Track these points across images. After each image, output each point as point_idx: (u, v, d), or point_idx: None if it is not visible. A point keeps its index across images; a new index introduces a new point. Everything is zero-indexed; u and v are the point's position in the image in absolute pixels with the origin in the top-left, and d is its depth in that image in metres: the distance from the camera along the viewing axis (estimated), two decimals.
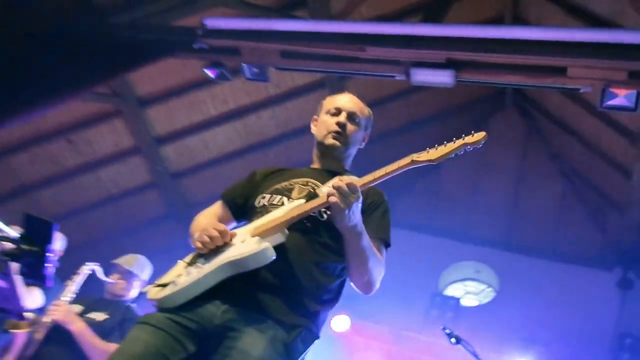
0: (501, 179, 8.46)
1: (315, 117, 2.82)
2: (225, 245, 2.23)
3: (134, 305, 4.32)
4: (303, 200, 2.33)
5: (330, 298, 2.35)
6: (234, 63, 5.39)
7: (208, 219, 2.54)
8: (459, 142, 2.13)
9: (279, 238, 2.23)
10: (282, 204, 2.40)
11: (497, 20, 6.97)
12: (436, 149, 2.17)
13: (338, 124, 2.64)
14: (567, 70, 4.49)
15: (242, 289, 2.16)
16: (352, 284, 2.40)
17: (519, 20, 6.97)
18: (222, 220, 2.55)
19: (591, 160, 7.50)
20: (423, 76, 4.83)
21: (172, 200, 7.72)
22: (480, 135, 2.11)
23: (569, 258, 7.78)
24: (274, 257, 2.14)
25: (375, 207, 2.48)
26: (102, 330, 3.97)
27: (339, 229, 2.23)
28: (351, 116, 2.69)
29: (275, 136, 7.71)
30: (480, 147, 2.12)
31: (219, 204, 2.68)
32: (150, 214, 7.87)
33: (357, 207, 2.16)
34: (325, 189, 2.22)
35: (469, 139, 2.12)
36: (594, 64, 4.38)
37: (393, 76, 5.03)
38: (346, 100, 2.74)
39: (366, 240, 2.26)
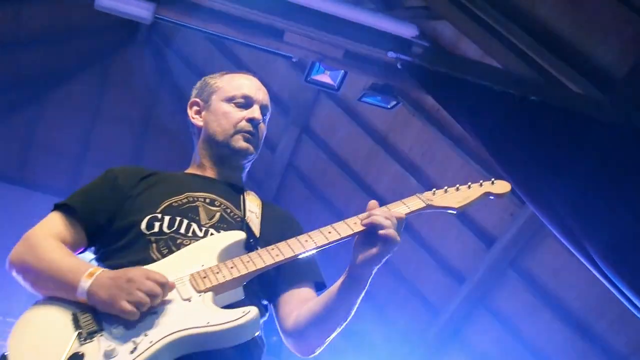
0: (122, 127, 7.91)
1: (196, 100, 2.19)
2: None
3: None
4: (241, 233, 1.89)
5: None
6: None
7: (55, 245, 1.85)
8: (480, 190, 1.96)
9: (236, 296, 1.76)
10: (194, 233, 1.91)
11: None
12: (456, 191, 1.95)
13: (252, 121, 2.10)
14: (284, 34, 4.34)
15: None
16: (301, 342, 1.94)
17: None
18: (69, 244, 1.91)
19: None
20: (112, 2, 4.05)
21: None
22: (506, 187, 1.98)
23: None
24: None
25: None
26: None
27: (354, 275, 1.80)
28: (263, 111, 2.16)
29: None
30: None
31: (63, 220, 1.92)
32: None
33: None
34: (362, 216, 1.80)
35: (492, 188, 1.98)
36: (314, 34, 4.34)
37: None
38: (256, 87, 2.20)
39: None
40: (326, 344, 1.95)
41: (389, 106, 4.90)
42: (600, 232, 3.52)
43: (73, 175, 7.81)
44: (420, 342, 6.53)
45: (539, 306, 5.59)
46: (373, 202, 1.82)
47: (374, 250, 1.74)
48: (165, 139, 7.98)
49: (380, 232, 1.72)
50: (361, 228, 1.78)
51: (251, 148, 2.15)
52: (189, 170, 2.23)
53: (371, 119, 6.29)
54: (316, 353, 1.98)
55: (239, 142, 2.12)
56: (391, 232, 1.73)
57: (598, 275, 3.53)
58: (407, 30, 4.34)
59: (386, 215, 1.76)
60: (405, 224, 1.81)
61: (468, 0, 4.49)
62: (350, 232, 1.80)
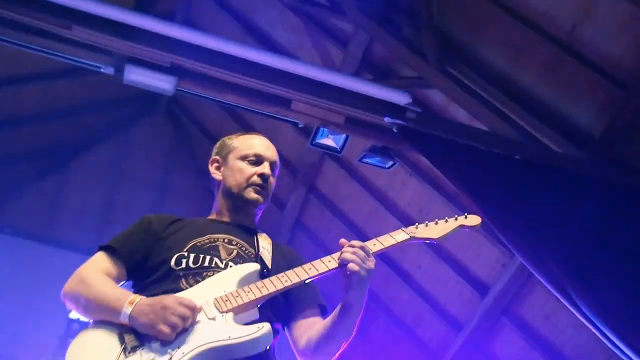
0: (143, 190, 8.05)
1: (216, 157, 2.41)
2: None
3: None
4: (256, 265, 2.10)
5: None
6: None
7: (102, 278, 2.07)
8: (456, 223, 2.15)
9: (253, 316, 1.96)
10: (216, 266, 2.10)
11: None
12: (435, 225, 2.15)
13: (262, 176, 2.30)
14: (291, 103, 4.51)
15: None
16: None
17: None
18: (112, 278, 2.11)
19: None
20: (139, 76, 4.26)
21: None
22: (477, 220, 2.17)
23: None
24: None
25: None
26: None
27: (345, 302, 1.99)
28: (272, 167, 2.37)
29: None
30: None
31: (106, 258, 2.13)
32: None
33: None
34: (334, 255, 2.02)
35: (465, 221, 2.16)
36: (317, 103, 4.50)
37: (99, 67, 4.26)
38: (266, 147, 2.42)
39: None
40: (335, 358, 2.14)
41: (386, 166, 5.03)
42: (584, 281, 3.59)
43: (97, 233, 7.91)
44: None
45: (531, 351, 5.59)
46: (342, 240, 2.04)
47: (350, 282, 1.96)
48: (181, 201, 8.13)
49: (348, 266, 1.94)
50: (334, 265, 2.01)
51: (261, 199, 2.33)
52: (210, 217, 2.42)
53: (372, 179, 6.43)
54: None
55: (251, 194, 2.31)
56: (354, 266, 1.93)
57: (585, 322, 3.58)
58: (401, 98, 4.50)
59: (353, 251, 1.96)
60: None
61: (457, 70, 4.70)
62: (326, 269, 2.03)
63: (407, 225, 6.24)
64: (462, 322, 6.09)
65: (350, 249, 1.97)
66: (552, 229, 3.77)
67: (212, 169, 2.44)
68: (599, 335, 3.55)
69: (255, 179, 2.32)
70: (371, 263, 1.96)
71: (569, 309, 3.82)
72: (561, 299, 3.69)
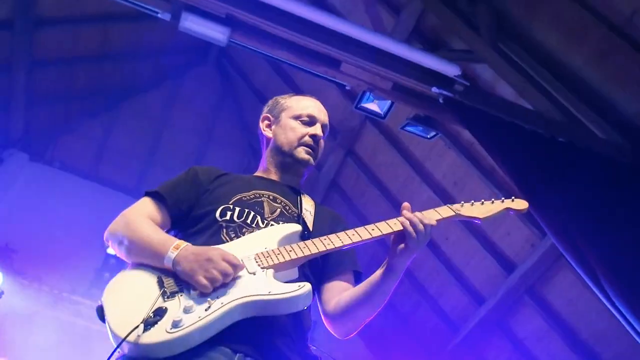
0: (187, 137, 8.12)
1: (267, 115, 2.39)
2: None
3: None
4: (297, 225, 2.07)
5: None
6: None
7: (147, 222, 2.03)
8: (502, 205, 2.08)
9: (292, 275, 1.93)
10: (257, 225, 2.07)
11: None
12: (481, 205, 2.07)
13: (314, 137, 2.28)
14: (341, 64, 4.45)
15: (261, 335, 1.78)
16: (339, 324, 2.08)
17: None
18: (157, 224, 2.07)
19: None
20: (194, 24, 4.24)
21: None
22: (524, 204, 2.09)
23: None
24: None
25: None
26: None
27: (391, 266, 1.95)
28: (323, 130, 2.35)
29: None
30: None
31: (154, 205, 2.09)
32: None
33: None
34: (400, 219, 1.95)
35: (512, 204, 2.09)
36: (367, 67, 4.44)
37: (156, 12, 4.25)
38: (319, 109, 2.39)
39: None
40: (360, 327, 2.08)
41: (428, 136, 4.96)
42: (616, 268, 3.51)
43: (140, 175, 8.04)
44: (438, 355, 6.53)
45: (550, 332, 5.56)
46: (406, 204, 1.98)
47: (406, 246, 1.91)
48: (222, 153, 8.19)
49: (411, 232, 1.89)
50: (399, 228, 1.94)
51: (311, 160, 2.30)
52: (257, 174, 2.38)
53: (410, 147, 6.37)
54: (350, 336, 2.11)
55: (302, 154, 2.29)
56: (419, 233, 1.90)
57: (611, 308, 3.52)
58: (450, 70, 4.42)
59: (418, 219, 1.91)
60: (433, 245, 1.96)
61: (508, 47, 4.57)
62: (390, 231, 1.97)
63: (440, 196, 6.21)
64: (485, 296, 6.06)
65: (411, 215, 1.93)
66: (589, 214, 3.68)
67: (262, 125, 2.41)
68: (624, 323, 3.49)
69: (307, 139, 2.30)
70: (427, 235, 1.92)
71: (592, 295, 3.75)
72: (589, 284, 3.62)
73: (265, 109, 2.48)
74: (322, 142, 2.35)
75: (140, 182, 7.83)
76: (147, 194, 2.17)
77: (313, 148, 2.30)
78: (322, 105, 2.44)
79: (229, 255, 1.85)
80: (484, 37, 4.50)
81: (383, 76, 4.51)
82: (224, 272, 1.79)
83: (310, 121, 2.34)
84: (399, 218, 1.97)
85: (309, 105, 2.39)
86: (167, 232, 2.13)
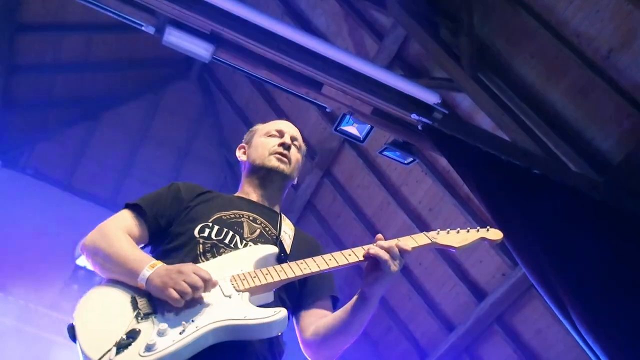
0: (165, 151, 8.04)
1: (243, 144, 2.41)
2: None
3: None
4: (275, 247, 2.03)
5: None
6: None
7: (124, 237, 1.96)
8: (477, 235, 2.03)
9: (268, 298, 1.88)
10: (236, 244, 2.02)
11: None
12: (456, 234, 2.02)
13: (282, 145, 2.27)
14: (322, 86, 4.46)
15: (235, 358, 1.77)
16: (317, 352, 2.03)
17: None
18: (134, 239, 2.01)
19: None
20: (178, 39, 4.22)
21: None
22: (498, 235, 2.06)
23: None
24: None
25: None
26: None
27: (365, 294, 1.90)
28: (293, 139, 2.33)
29: None
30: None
31: (133, 218, 2.03)
32: None
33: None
34: (367, 247, 1.90)
35: (487, 234, 2.05)
36: (348, 90, 4.45)
37: (141, 25, 4.22)
38: (288, 125, 2.42)
39: None
40: (338, 355, 2.04)
41: (406, 162, 4.97)
42: (583, 300, 3.52)
43: (114, 187, 7.92)
44: None
45: None
46: (379, 235, 1.94)
47: (380, 274, 1.86)
48: (199, 168, 8.12)
49: (385, 257, 1.84)
50: (376, 252, 1.88)
51: (282, 166, 2.27)
52: (237, 194, 2.35)
53: (387, 172, 6.38)
54: None
55: (272, 161, 2.27)
56: (388, 264, 1.83)
57: (579, 340, 3.52)
58: (430, 97, 4.44)
59: (387, 248, 1.86)
60: (407, 269, 1.91)
61: (488, 78, 4.62)
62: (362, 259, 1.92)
63: (415, 221, 6.19)
64: (455, 323, 6.05)
65: (384, 243, 1.88)
66: (559, 246, 3.70)
67: (239, 154, 2.43)
68: (590, 354, 3.49)
69: (277, 147, 2.30)
70: (401, 264, 1.87)
71: (561, 327, 3.75)
72: (558, 315, 3.63)
73: (243, 140, 2.51)
74: (295, 151, 2.35)
75: (115, 194, 7.72)
76: (127, 206, 2.11)
77: (284, 155, 2.29)
78: (292, 124, 2.47)
79: (201, 270, 1.80)
80: (464, 67, 4.54)
81: (363, 100, 4.51)
82: (194, 285, 1.73)
83: (279, 134, 2.37)
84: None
85: (278, 122, 2.46)
86: (143, 247, 2.07)
